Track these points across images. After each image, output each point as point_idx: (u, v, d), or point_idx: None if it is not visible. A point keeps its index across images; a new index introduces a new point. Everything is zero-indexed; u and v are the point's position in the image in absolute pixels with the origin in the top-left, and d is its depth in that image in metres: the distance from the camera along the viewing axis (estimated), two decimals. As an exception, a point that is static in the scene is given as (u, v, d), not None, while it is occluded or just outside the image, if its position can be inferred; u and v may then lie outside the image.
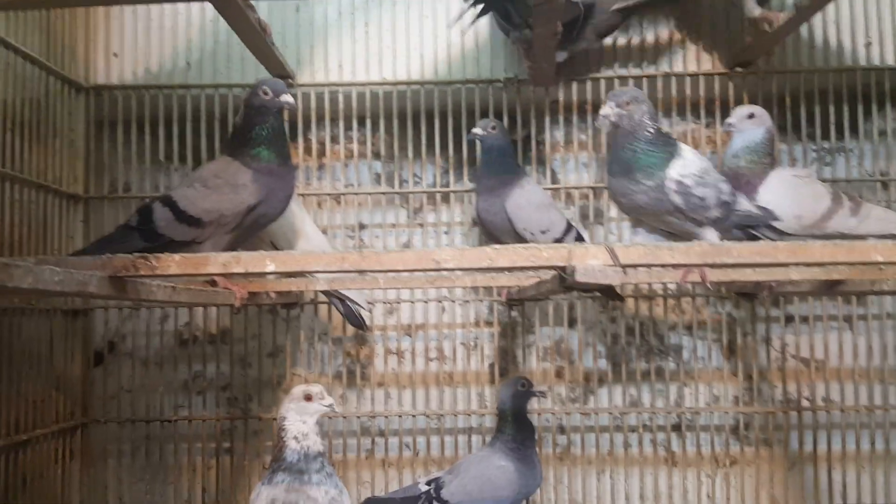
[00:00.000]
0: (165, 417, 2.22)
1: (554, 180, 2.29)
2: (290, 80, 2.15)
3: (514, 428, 1.90)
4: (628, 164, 1.55)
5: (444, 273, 1.75)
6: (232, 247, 1.60)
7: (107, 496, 2.23)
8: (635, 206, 1.58)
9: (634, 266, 0.97)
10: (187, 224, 1.52)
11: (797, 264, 0.96)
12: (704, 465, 2.23)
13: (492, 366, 2.28)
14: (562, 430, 2.25)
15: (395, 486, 2.21)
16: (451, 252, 0.97)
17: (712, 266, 0.97)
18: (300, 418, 1.52)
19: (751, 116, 1.82)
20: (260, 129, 1.59)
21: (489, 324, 2.29)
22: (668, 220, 1.60)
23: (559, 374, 2.28)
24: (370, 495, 2.20)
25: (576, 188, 2.28)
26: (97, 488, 2.22)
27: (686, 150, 1.58)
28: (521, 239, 1.94)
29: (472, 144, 2.21)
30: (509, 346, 2.28)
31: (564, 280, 1.00)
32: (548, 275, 1.24)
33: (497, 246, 0.99)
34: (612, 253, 0.96)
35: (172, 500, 2.23)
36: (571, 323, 2.28)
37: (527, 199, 1.95)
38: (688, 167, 1.55)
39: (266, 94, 1.60)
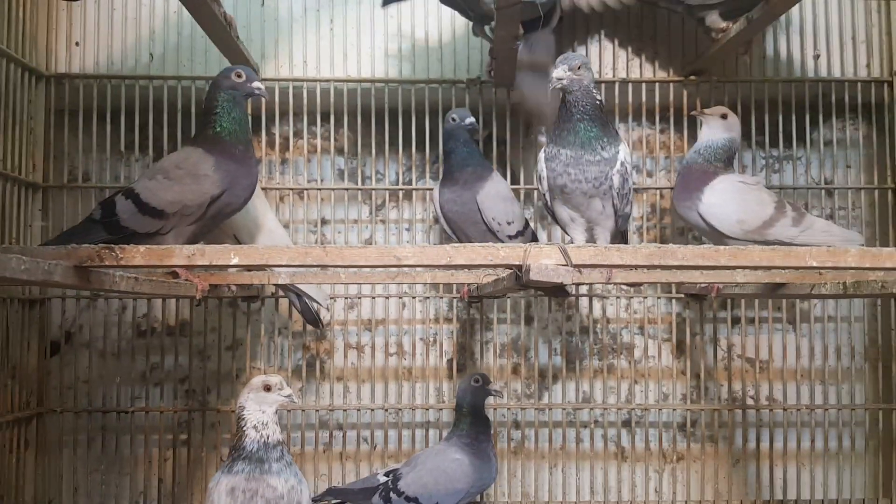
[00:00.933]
0: (122, 408, 2.21)
1: (514, 180, 2.33)
2: (254, 74, 2.16)
3: (470, 423, 1.95)
4: (586, 134, 1.58)
5: (406, 269, 1.79)
6: (195, 238, 1.61)
7: (61, 486, 2.21)
8: (581, 179, 1.59)
9: (586, 266, 1.02)
10: (150, 216, 1.52)
11: (737, 267, 1.02)
12: (653, 461, 2.30)
13: (450, 361, 2.32)
14: (517, 424, 2.31)
15: (353, 478, 2.24)
16: (412, 249, 1.01)
17: (659, 268, 1.02)
18: (259, 408, 1.54)
19: (723, 117, 1.91)
20: (225, 111, 1.61)
21: (448, 320, 2.33)
22: (592, 201, 1.64)
23: (515, 370, 2.33)
24: (326, 487, 2.23)
25: (534, 189, 2.32)
26: (52, 478, 2.21)
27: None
28: (486, 229, 2.00)
29: (434, 143, 2.25)
30: (467, 343, 2.33)
31: (520, 278, 1.05)
32: (505, 273, 1.29)
33: (456, 245, 1.03)
34: (565, 253, 1.00)
35: (128, 491, 2.23)
36: (528, 320, 2.33)
37: (496, 191, 2.01)
38: (628, 153, 1.64)
39: (239, 76, 1.63)
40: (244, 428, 1.54)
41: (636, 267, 1.05)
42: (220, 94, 1.63)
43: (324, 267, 1.09)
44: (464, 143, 1.99)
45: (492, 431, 2.03)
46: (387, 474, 1.95)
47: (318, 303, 1.96)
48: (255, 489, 1.48)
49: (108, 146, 2.20)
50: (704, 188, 1.84)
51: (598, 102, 1.60)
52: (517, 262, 1.01)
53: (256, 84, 1.65)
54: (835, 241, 1.78)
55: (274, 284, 1.88)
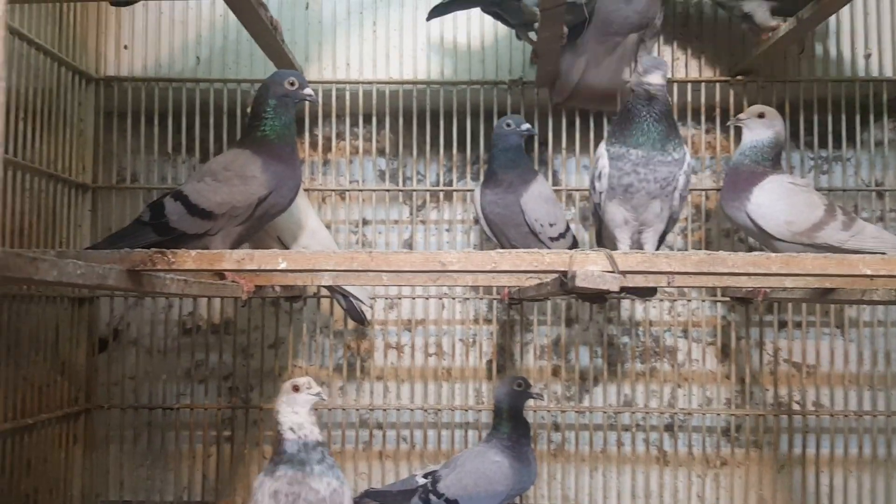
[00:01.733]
0: (167, 405, 2.25)
1: (555, 181, 2.32)
2: (298, 77, 2.19)
3: (510, 425, 1.94)
4: (659, 135, 1.60)
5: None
6: (241, 238, 1.63)
7: (108, 481, 2.26)
8: (650, 179, 1.62)
9: (632, 273, 1.01)
10: (199, 217, 1.55)
11: (789, 275, 1.00)
12: (695, 466, 2.27)
13: (489, 363, 2.32)
14: (556, 427, 2.30)
15: (392, 478, 2.25)
16: (457, 255, 1.01)
17: (707, 274, 1.00)
18: (291, 409, 1.59)
19: (761, 116, 1.87)
20: (275, 115, 1.64)
21: (488, 321, 2.33)
22: (652, 203, 1.66)
23: (555, 372, 2.32)
24: (367, 487, 2.24)
25: (576, 190, 2.32)
26: (99, 473, 2.26)
27: None
28: (529, 230, 1.99)
29: (475, 144, 2.25)
30: (507, 344, 2.32)
31: (565, 284, 1.04)
32: (549, 277, 1.28)
33: (501, 251, 1.03)
34: (612, 260, 0.99)
35: (172, 486, 2.27)
36: (569, 322, 2.32)
37: (539, 193, 2.00)
38: (690, 154, 1.66)
39: (293, 84, 1.66)
40: (281, 431, 1.58)
41: (685, 273, 1.04)
42: (270, 99, 1.66)
43: (369, 272, 1.10)
44: (514, 149, 1.99)
45: (531, 434, 2.02)
46: (426, 476, 1.95)
47: (362, 302, 1.98)
48: (298, 493, 1.51)
49: (155, 148, 2.24)
50: (753, 188, 1.81)
51: (670, 104, 1.63)
52: (563, 269, 1.01)
53: (308, 91, 1.68)
54: (886, 248, 1.73)
55: (319, 286, 1.91)
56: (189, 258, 0.99)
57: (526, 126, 1.99)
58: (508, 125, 1.99)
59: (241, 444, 2.28)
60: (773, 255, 0.96)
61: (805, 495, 2.23)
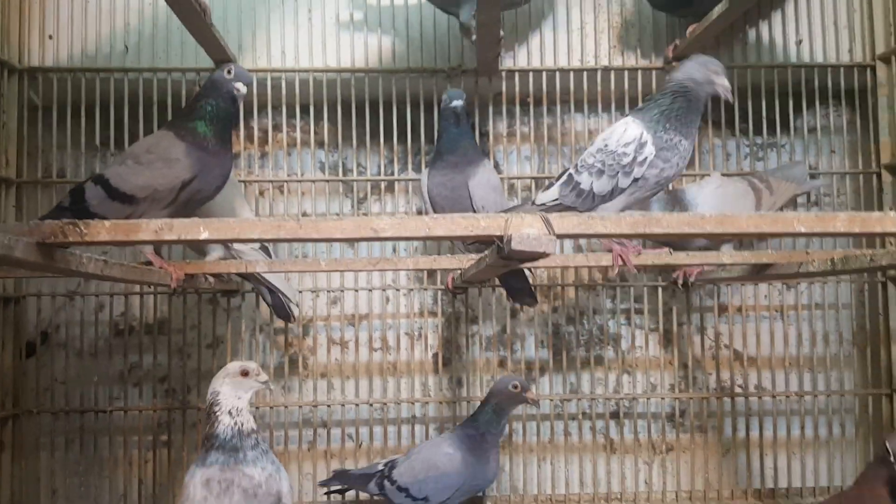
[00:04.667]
0: (100, 408, 2.16)
1: (497, 171, 2.31)
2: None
3: (487, 420, 1.87)
4: (693, 125, 1.56)
5: (388, 256, 1.76)
6: None
7: (39, 490, 2.16)
8: (678, 172, 1.58)
9: (569, 236, 0.99)
10: (120, 202, 1.49)
11: (724, 234, 0.99)
12: (642, 452, 2.27)
13: (435, 355, 2.28)
14: (504, 418, 2.27)
15: (337, 475, 2.20)
16: (390, 220, 0.97)
17: (643, 236, 0.99)
18: (235, 394, 1.50)
19: None
20: (206, 104, 1.59)
21: (433, 314, 2.29)
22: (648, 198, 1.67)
23: (501, 363, 2.30)
24: (311, 486, 2.19)
25: (518, 178, 2.30)
26: (29, 481, 2.15)
27: None
28: None
29: (416, 135, 2.22)
30: (453, 336, 2.29)
31: (502, 250, 1.01)
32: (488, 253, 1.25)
33: (435, 215, 1.00)
34: (548, 222, 0.97)
35: (108, 493, 2.17)
36: (513, 313, 2.30)
37: (487, 180, 1.96)
38: None
39: (229, 73, 1.62)
40: (218, 414, 1.48)
41: (620, 236, 1.02)
42: (208, 87, 1.63)
43: (298, 241, 1.05)
44: (454, 124, 1.93)
45: (502, 437, 1.95)
46: (385, 464, 1.94)
47: (289, 298, 1.92)
48: (231, 479, 1.43)
49: (82, 141, 2.16)
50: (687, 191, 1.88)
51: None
52: (498, 232, 0.98)
53: (239, 84, 1.62)
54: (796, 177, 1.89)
55: (245, 279, 1.84)
56: (103, 229, 0.93)
57: (456, 103, 1.92)
58: (444, 100, 1.96)
59: (180, 447, 2.20)
60: (708, 214, 0.96)
61: (750, 477, 2.25)
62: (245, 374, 1.51)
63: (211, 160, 1.55)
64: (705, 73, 1.54)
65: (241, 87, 1.62)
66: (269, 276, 1.85)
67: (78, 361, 2.20)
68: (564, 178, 1.60)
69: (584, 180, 1.55)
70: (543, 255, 0.98)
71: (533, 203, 1.65)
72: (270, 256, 1.86)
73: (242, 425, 1.48)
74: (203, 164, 1.53)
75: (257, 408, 2.21)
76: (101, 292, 2.19)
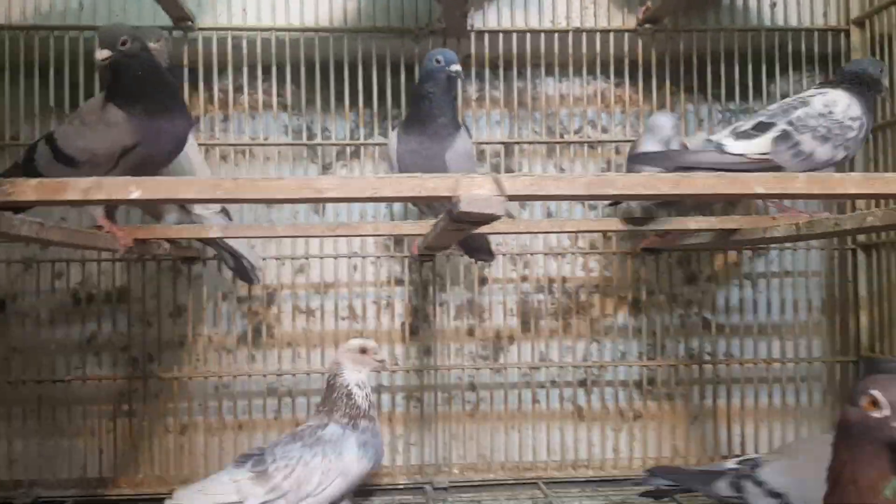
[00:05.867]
0: (59, 378, 2.11)
1: (467, 135, 2.25)
2: (189, 23, 2.06)
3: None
4: None
5: (344, 218, 1.72)
6: None
7: (-5, 460, 2.12)
8: None
9: (521, 197, 0.95)
10: (63, 163, 1.42)
11: (680, 195, 0.96)
12: (610, 420, 2.26)
13: (403, 324, 2.25)
14: (472, 387, 2.25)
15: (303, 445, 2.18)
16: (334, 180, 0.93)
17: (596, 197, 0.95)
18: (356, 368, 1.72)
19: None
20: (147, 65, 1.47)
21: (401, 282, 2.26)
22: None
23: (470, 332, 2.27)
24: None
25: (488, 143, 2.25)
26: (-14, 451, 2.11)
27: None
28: None
29: (382, 99, 2.17)
30: (421, 305, 2.26)
31: (451, 212, 0.97)
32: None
33: (381, 175, 0.96)
34: (499, 183, 0.93)
35: (68, 464, 2.13)
36: (483, 281, 2.27)
37: (464, 149, 1.84)
38: None
39: (157, 40, 1.54)
40: (349, 387, 1.71)
41: (574, 198, 0.99)
42: (144, 50, 1.49)
43: (236, 201, 1.00)
44: (445, 91, 1.76)
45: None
46: (743, 461, 1.62)
47: (251, 262, 1.86)
48: (376, 445, 1.70)
49: (36, 102, 2.08)
50: None
51: None
52: (447, 193, 0.94)
53: (154, 45, 1.56)
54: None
55: (207, 244, 1.78)
56: (29, 188, 0.88)
57: (456, 67, 1.73)
58: (438, 61, 1.73)
59: (142, 416, 2.16)
60: (663, 174, 0.92)
61: (718, 444, 2.25)
62: (364, 351, 1.71)
63: (159, 124, 1.45)
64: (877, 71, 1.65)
65: (159, 46, 1.56)
66: (231, 242, 1.80)
67: (36, 330, 2.14)
68: (777, 132, 1.53)
69: (806, 142, 1.51)
70: (494, 217, 0.94)
71: (720, 149, 1.54)
72: (230, 219, 1.80)
73: (370, 397, 1.72)
74: (148, 128, 1.44)
75: (220, 377, 2.17)
76: (58, 259, 2.13)
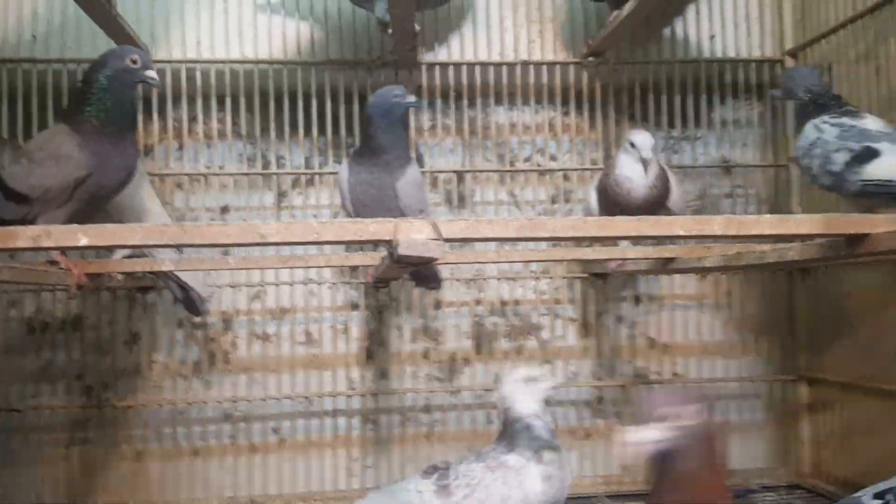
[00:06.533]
0: (14, 407, 2.11)
1: (420, 164, 2.31)
2: (144, 56, 2.08)
3: None
4: None
5: (299, 253, 1.76)
6: (70, 222, 1.51)
7: (-52, 491, 2.10)
8: None
9: (457, 240, 1.00)
10: (15, 201, 1.43)
11: (606, 237, 1.02)
12: (562, 439, 2.30)
13: (360, 348, 2.29)
14: (427, 409, 2.30)
15: (259, 471, 2.20)
16: (277, 226, 0.97)
17: (529, 239, 1.01)
18: (528, 398, 1.65)
19: None
20: (105, 93, 1.48)
21: (357, 307, 2.29)
22: None
23: (426, 355, 2.32)
24: (233, 480, 2.18)
25: (441, 172, 2.31)
26: (-63, 483, 2.09)
27: None
28: (400, 214, 1.90)
29: (336, 127, 2.21)
30: (377, 329, 2.30)
31: (392, 254, 1.02)
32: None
33: (324, 220, 1.00)
34: (436, 227, 0.98)
35: (23, 491, 2.12)
36: (437, 305, 2.32)
37: (414, 178, 1.87)
38: None
39: (134, 62, 1.51)
40: (525, 419, 1.63)
41: (507, 240, 1.04)
42: (102, 75, 1.50)
43: (181, 247, 1.04)
44: (399, 123, 1.80)
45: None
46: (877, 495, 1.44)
47: (199, 293, 1.88)
48: (563, 476, 1.63)
49: (-11, 132, 2.09)
50: None
51: None
52: (388, 237, 0.99)
53: (151, 73, 1.52)
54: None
55: (153, 274, 1.80)
56: (-22, 237, 0.91)
57: (412, 98, 1.79)
58: (396, 95, 1.78)
59: (97, 444, 2.16)
60: (591, 218, 0.98)
61: (664, 461, 2.32)
62: (532, 380, 1.66)
63: (109, 152, 1.47)
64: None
65: (155, 75, 1.53)
66: (180, 274, 1.82)
67: (-9, 360, 2.14)
68: None
69: None
70: (432, 260, 0.99)
71: (861, 182, 1.40)
72: (181, 252, 1.82)
73: (548, 425, 1.65)
74: (100, 158, 1.45)
75: (176, 404, 2.18)
76: (12, 289, 2.13)
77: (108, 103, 1.47)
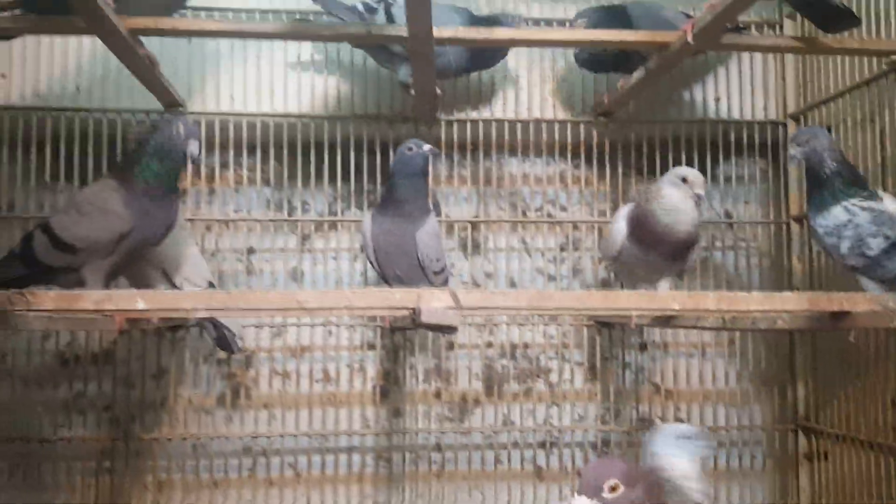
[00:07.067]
0: (44, 437, 2.21)
1: (437, 212, 2.43)
2: (180, 108, 2.22)
3: None
4: None
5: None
6: (116, 270, 1.63)
7: (-21, 517, 2.20)
8: None
9: (474, 309, 1.11)
10: (62, 251, 1.54)
11: (611, 309, 1.12)
12: (568, 480, 2.40)
13: (375, 387, 2.38)
14: (438, 448, 2.39)
15: (277, 503, 2.29)
16: (313, 294, 1.09)
17: (536, 311, 1.12)
18: (680, 455, 1.52)
19: None
20: (152, 156, 1.61)
21: (373, 347, 2.39)
22: None
23: (438, 394, 2.41)
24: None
25: (457, 221, 2.43)
26: (-30, 509, 2.19)
27: None
28: (418, 264, 2.00)
29: (359, 175, 2.33)
30: (392, 369, 2.40)
31: (415, 319, 1.13)
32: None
33: (356, 290, 1.11)
34: (455, 297, 1.09)
35: (49, 521, 2.23)
36: (450, 347, 2.42)
37: (432, 229, 2.00)
38: None
39: (178, 132, 1.63)
40: (676, 481, 1.47)
41: (519, 309, 1.15)
42: (153, 140, 1.63)
43: (229, 310, 1.16)
44: (419, 174, 1.94)
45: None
46: None
47: (233, 332, 1.99)
48: None
49: (32, 176, 2.22)
50: None
51: None
52: (411, 306, 1.10)
53: (192, 146, 1.63)
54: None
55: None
56: (48, 299, 1.03)
57: (428, 147, 1.93)
58: (411, 149, 1.93)
59: (122, 475, 2.26)
60: (594, 292, 1.09)
61: (666, 505, 2.40)
62: (686, 437, 1.53)
63: (153, 209, 1.58)
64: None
65: (194, 146, 1.63)
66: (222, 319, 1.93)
67: (23, 390, 2.25)
68: None
69: None
70: (452, 329, 1.10)
71: None
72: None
73: (707, 489, 1.50)
74: (142, 215, 1.56)
75: (199, 438, 2.28)
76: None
77: (155, 168, 1.60)
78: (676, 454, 1.54)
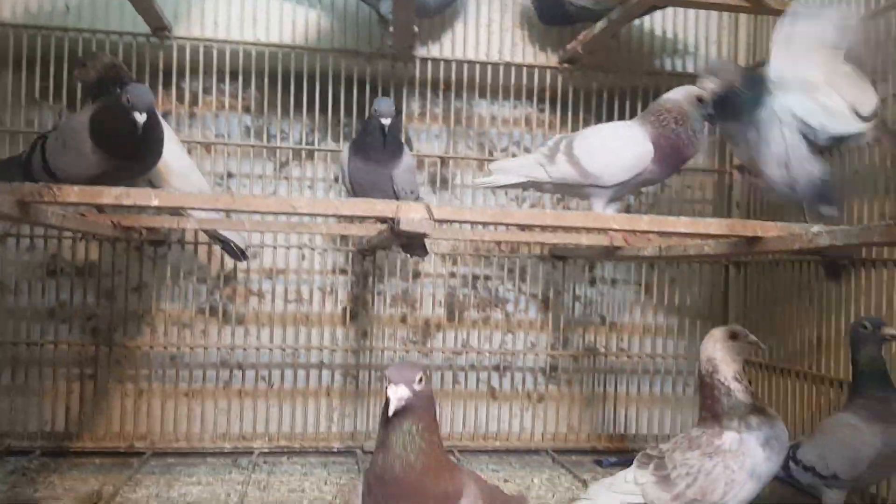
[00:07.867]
0: (32, 341, 2.35)
1: (409, 147, 2.57)
2: (166, 32, 2.31)
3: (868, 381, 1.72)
4: None
5: (305, 220, 2.02)
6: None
7: (-31, 413, 2.34)
8: None
9: (445, 221, 1.28)
10: (48, 174, 1.64)
11: (559, 227, 1.30)
12: (519, 400, 2.63)
13: (344, 309, 2.55)
14: (401, 366, 2.57)
15: (250, 412, 2.47)
16: (306, 201, 1.25)
17: (502, 224, 1.30)
18: (729, 359, 1.56)
19: None
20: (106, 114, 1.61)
21: (344, 272, 2.56)
22: None
23: (403, 319, 2.59)
24: (226, 420, 2.45)
25: (427, 156, 2.58)
26: (-40, 405, 2.33)
27: None
28: (394, 195, 2.08)
29: (336, 108, 2.46)
30: (361, 293, 2.57)
31: (393, 229, 1.30)
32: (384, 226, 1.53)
33: (343, 199, 1.28)
34: (429, 209, 1.26)
35: (35, 418, 2.36)
36: (416, 275, 2.59)
37: (407, 165, 2.11)
38: None
39: (129, 101, 1.54)
40: (727, 383, 1.55)
41: (484, 223, 1.32)
42: (110, 101, 1.64)
43: (229, 212, 1.31)
44: (382, 132, 1.99)
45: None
46: (792, 446, 1.76)
47: (239, 245, 2.10)
48: (780, 437, 1.56)
49: (22, 93, 2.31)
50: None
51: None
52: (391, 215, 1.26)
53: (136, 116, 1.54)
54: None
55: (203, 231, 2.02)
56: (73, 193, 1.17)
57: (385, 120, 1.97)
58: (375, 111, 1.98)
59: (104, 380, 2.41)
60: (548, 210, 1.27)
61: (605, 423, 2.65)
62: (734, 337, 1.57)
63: (130, 164, 1.61)
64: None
65: (139, 117, 1.53)
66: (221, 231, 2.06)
67: (11, 298, 2.37)
68: None
69: None
70: (425, 235, 1.27)
71: None
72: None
73: (748, 388, 1.56)
74: (117, 159, 1.58)
75: (178, 348, 2.44)
76: (35, 235, 2.36)
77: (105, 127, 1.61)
78: (726, 357, 1.59)
